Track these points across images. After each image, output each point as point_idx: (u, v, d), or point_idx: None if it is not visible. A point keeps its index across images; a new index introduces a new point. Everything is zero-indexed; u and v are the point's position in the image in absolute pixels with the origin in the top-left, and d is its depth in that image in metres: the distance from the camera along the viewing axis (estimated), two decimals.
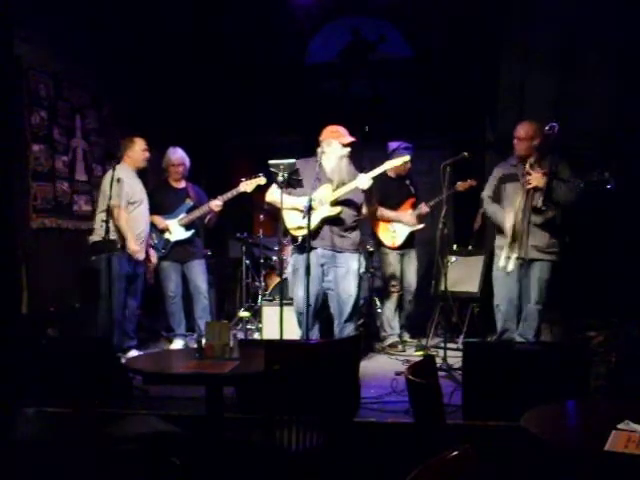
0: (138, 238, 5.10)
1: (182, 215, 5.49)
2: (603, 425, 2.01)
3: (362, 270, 4.94)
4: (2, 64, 4.95)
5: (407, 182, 5.74)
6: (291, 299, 4.85)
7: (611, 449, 1.84)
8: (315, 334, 4.66)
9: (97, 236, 5.01)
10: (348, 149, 4.61)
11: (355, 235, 4.69)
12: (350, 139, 4.63)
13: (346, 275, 4.59)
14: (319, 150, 4.63)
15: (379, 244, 5.71)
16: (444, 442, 2.02)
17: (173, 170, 5.53)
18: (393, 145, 5.67)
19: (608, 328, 4.28)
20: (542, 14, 6.03)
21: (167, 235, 5.46)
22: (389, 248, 5.65)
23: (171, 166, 5.53)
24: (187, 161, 5.60)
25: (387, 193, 5.65)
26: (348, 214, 4.62)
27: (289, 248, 4.96)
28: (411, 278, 5.71)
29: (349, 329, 4.64)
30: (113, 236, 4.85)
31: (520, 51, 6.21)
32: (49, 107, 5.49)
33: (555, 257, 4.66)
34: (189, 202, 5.52)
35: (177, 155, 5.53)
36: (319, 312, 4.72)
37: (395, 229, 5.64)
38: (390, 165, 4.70)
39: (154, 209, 5.43)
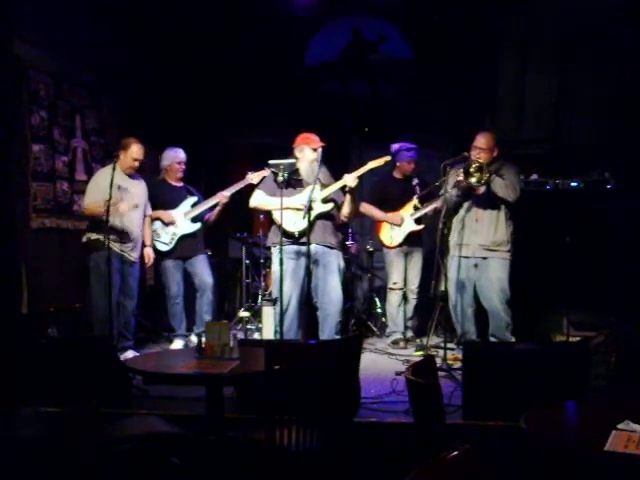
0: (131, 240, 5.08)
1: (188, 209, 5.50)
2: (603, 425, 2.01)
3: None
4: (2, 64, 4.95)
5: (414, 182, 5.75)
6: None
7: (611, 449, 1.84)
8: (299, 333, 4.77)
9: (85, 236, 5.03)
10: (319, 153, 4.72)
11: (340, 234, 5.01)
12: (320, 144, 4.75)
13: (335, 271, 4.76)
14: (294, 156, 4.82)
15: (380, 243, 5.80)
16: (444, 442, 2.02)
17: (178, 168, 5.51)
18: (395, 147, 5.71)
19: (608, 328, 4.28)
20: (542, 14, 6.03)
21: (173, 229, 5.44)
22: (388, 247, 5.70)
23: (177, 164, 5.50)
24: None
25: (390, 193, 5.72)
26: (336, 213, 4.82)
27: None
28: (414, 277, 5.74)
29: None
30: (97, 235, 4.88)
31: (520, 51, 6.22)
32: (49, 107, 5.49)
33: (507, 255, 4.85)
34: (193, 197, 5.55)
35: (182, 153, 5.54)
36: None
37: (393, 229, 5.65)
38: (372, 165, 4.74)
39: (155, 207, 5.43)
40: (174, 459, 2.85)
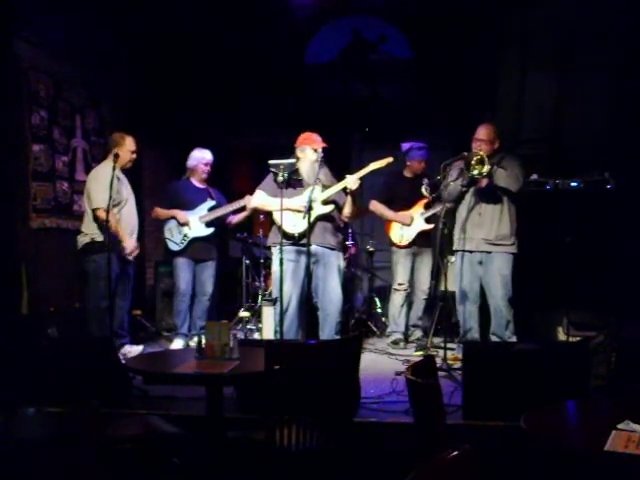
0: (131, 237, 5.09)
1: (204, 212, 5.50)
2: (603, 425, 2.00)
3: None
4: (2, 64, 4.95)
5: (424, 182, 5.73)
6: None
7: (611, 449, 1.84)
8: (299, 333, 4.78)
9: (87, 237, 5.00)
10: (320, 154, 4.71)
11: (341, 234, 5.00)
12: (322, 145, 4.75)
13: (335, 272, 4.76)
14: (295, 156, 4.81)
15: (390, 242, 5.77)
16: (444, 442, 2.02)
17: (203, 169, 5.55)
18: (406, 146, 5.73)
19: (608, 328, 4.28)
20: (542, 14, 6.03)
21: (186, 230, 5.45)
22: (397, 247, 5.68)
23: (202, 165, 5.54)
24: None
25: (400, 192, 5.72)
26: (336, 214, 4.83)
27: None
28: (424, 277, 5.72)
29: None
30: (101, 237, 4.87)
31: (520, 51, 6.21)
32: (49, 107, 5.50)
33: (511, 248, 4.83)
34: (211, 202, 5.56)
35: (209, 155, 5.58)
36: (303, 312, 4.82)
37: (403, 228, 5.66)
38: (374, 167, 4.73)
39: (175, 205, 5.48)
40: (174, 459, 2.85)
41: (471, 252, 4.90)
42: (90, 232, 4.99)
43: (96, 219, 4.93)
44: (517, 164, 4.84)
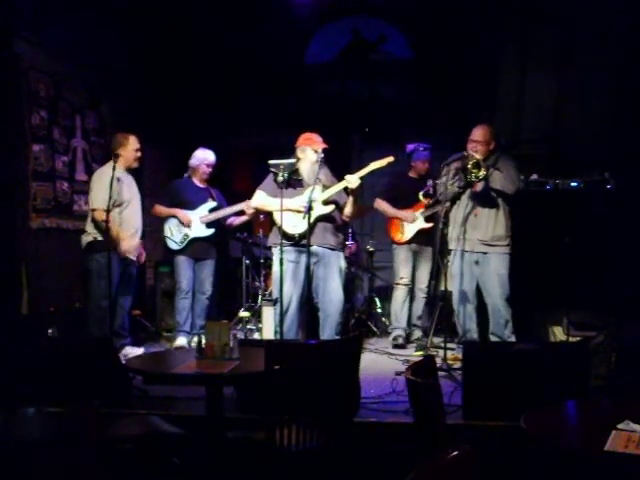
0: (132, 238, 5.09)
1: (204, 213, 5.52)
2: (603, 425, 2.00)
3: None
4: (2, 64, 4.95)
5: (428, 183, 5.75)
6: None
7: (611, 449, 1.84)
8: (299, 334, 4.78)
9: (90, 236, 5.01)
10: (321, 155, 4.69)
11: (342, 234, 4.99)
12: (322, 145, 4.73)
13: (337, 272, 4.76)
14: (295, 156, 4.80)
15: (391, 240, 5.82)
16: (444, 442, 2.02)
17: (205, 170, 5.58)
18: (411, 147, 5.77)
19: (608, 328, 4.28)
20: (542, 14, 6.04)
21: (187, 230, 5.47)
22: (398, 243, 5.72)
23: (205, 165, 5.56)
24: None
25: (403, 191, 5.76)
26: (337, 214, 4.83)
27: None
28: (423, 276, 5.76)
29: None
30: (102, 237, 4.87)
31: (520, 51, 6.21)
32: (49, 107, 5.50)
33: (506, 249, 4.84)
34: (212, 202, 5.58)
35: (212, 156, 5.60)
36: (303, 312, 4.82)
37: (403, 225, 5.69)
38: (375, 166, 4.73)
39: (176, 204, 5.50)
40: (174, 459, 2.85)
41: (467, 252, 4.91)
42: (92, 231, 5.00)
43: (94, 219, 4.94)
44: (512, 165, 4.84)
